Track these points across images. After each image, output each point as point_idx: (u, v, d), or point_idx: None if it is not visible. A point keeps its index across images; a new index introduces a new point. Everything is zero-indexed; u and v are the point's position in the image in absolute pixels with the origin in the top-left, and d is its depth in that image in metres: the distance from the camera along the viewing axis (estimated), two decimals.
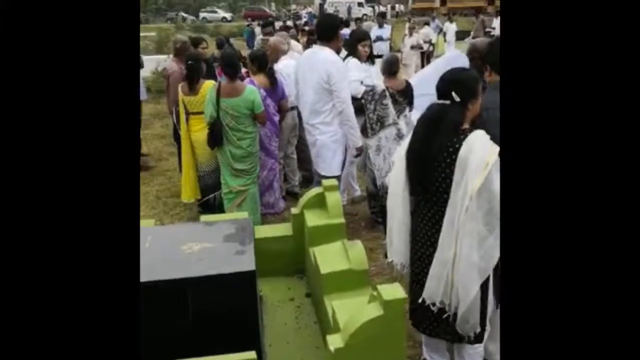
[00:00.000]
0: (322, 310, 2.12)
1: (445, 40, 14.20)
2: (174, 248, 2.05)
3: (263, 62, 4.27)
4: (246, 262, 1.92)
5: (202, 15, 41.74)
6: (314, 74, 3.51)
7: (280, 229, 2.78)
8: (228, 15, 42.04)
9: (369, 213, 4.28)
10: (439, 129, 2.00)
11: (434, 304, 2.00)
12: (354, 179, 4.70)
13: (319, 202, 2.63)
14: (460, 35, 14.14)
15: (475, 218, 1.85)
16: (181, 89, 4.19)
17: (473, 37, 11.57)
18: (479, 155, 1.88)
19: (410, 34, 11.31)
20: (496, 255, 1.84)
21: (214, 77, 4.66)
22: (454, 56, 4.91)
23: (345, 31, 10.40)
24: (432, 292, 2.00)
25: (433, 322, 2.09)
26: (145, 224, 2.52)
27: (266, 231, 2.73)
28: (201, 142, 4.04)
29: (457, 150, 1.93)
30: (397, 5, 37.25)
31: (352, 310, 1.77)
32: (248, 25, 18.58)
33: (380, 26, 11.65)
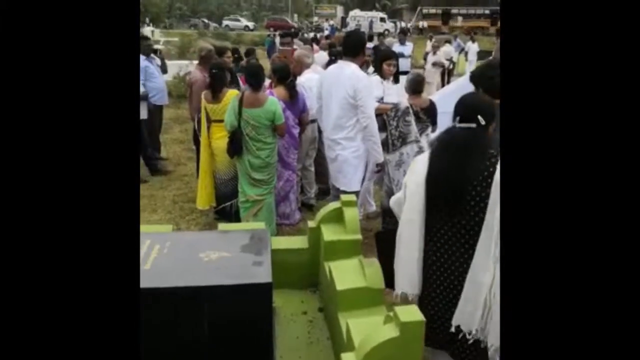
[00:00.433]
0: (336, 326, 2.11)
1: (466, 60, 14.21)
2: (192, 255, 2.07)
3: (284, 75, 4.31)
4: (263, 274, 1.93)
5: (225, 22, 42.31)
6: (339, 88, 3.54)
7: (296, 242, 2.78)
8: (250, 24, 42.58)
9: (382, 229, 4.27)
10: (470, 153, 2.00)
11: (469, 333, 1.94)
12: (370, 195, 4.71)
13: (337, 217, 2.63)
14: (482, 55, 14.14)
15: None
16: (204, 96, 4.24)
17: (494, 57, 11.57)
18: None
19: (434, 52, 11.32)
20: None
21: (237, 86, 4.71)
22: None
23: (368, 45, 10.49)
24: (467, 318, 1.94)
25: (449, 342, 2.06)
26: (164, 229, 2.55)
27: (282, 243, 2.73)
28: (221, 150, 4.08)
29: (492, 173, 1.93)
30: (421, 23, 37.32)
31: (367, 329, 1.76)
32: (269, 36, 18.81)
33: (402, 43, 11.70)
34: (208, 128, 4.26)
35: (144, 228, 2.71)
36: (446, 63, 12.13)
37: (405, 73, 6.00)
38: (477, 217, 1.95)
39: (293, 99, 4.27)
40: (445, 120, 2.91)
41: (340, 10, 47.03)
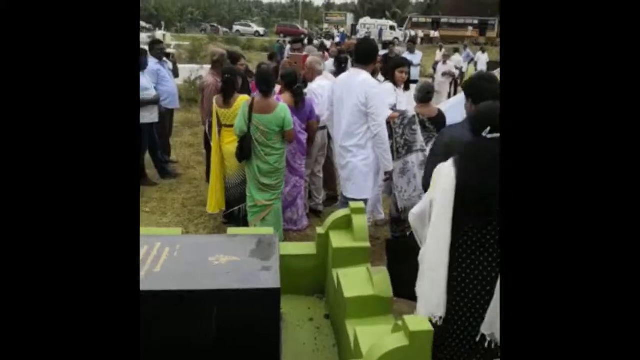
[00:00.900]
0: (343, 333, 2.12)
1: (475, 70, 14.20)
2: (202, 259, 2.08)
3: (291, 80, 4.33)
4: (272, 279, 1.94)
5: (235, 27, 42.58)
6: (351, 96, 3.55)
7: (304, 248, 2.79)
8: (261, 30, 42.83)
9: (391, 237, 4.27)
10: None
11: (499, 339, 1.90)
12: (379, 203, 4.71)
13: (345, 224, 2.64)
14: (492, 66, 14.14)
15: None
16: (216, 101, 4.28)
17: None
18: None
19: (444, 62, 11.33)
20: None
21: (248, 92, 4.74)
22: None
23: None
24: (497, 326, 1.88)
25: (470, 353, 2.01)
26: (173, 232, 2.57)
27: (290, 249, 2.74)
28: (231, 154, 4.10)
29: None
30: (431, 32, 37.40)
31: (374, 338, 1.77)
32: (278, 41, 18.96)
33: (412, 52, 11.72)
34: (219, 132, 4.29)
35: (154, 231, 2.73)
36: (456, 73, 12.14)
37: (415, 82, 6.02)
38: None
39: (298, 105, 4.28)
40: None
41: (350, 18, 47.24)
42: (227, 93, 4.19)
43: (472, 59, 14.91)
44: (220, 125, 4.27)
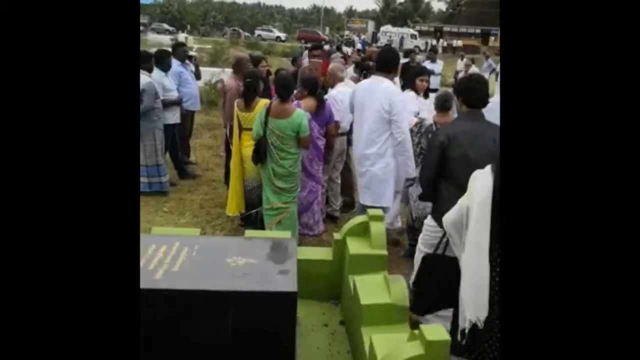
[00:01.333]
0: (358, 341, 2.11)
1: (496, 80, 14.09)
2: (220, 260, 2.10)
3: (313, 87, 4.36)
4: (289, 283, 1.94)
5: (257, 32, 42.90)
6: (374, 103, 3.57)
7: (320, 253, 2.80)
8: (282, 35, 43.08)
9: (407, 245, 4.25)
10: None
11: None
12: (397, 211, 4.70)
13: (362, 231, 2.64)
14: None
15: None
16: (237, 104, 4.31)
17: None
18: None
19: (466, 71, 11.27)
20: None
21: (269, 96, 4.77)
22: None
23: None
24: None
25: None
26: (192, 233, 2.59)
27: (307, 253, 2.75)
28: (250, 158, 4.14)
29: None
30: (454, 41, 37.27)
31: (390, 346, 1.76)
32: (300, 47, 19.12)
33: (433, 60, 11.69)
34: (240, 135, 4.32)
35: (173, 230, 2.76)
36: None
37: (435, 90, 6.00)
38: None
39: (319, 109, 4.30)
40: None
41: (371, 25, 47.24)
42: (249, 97, 4.23)
43: (494, 69, 14.80)
44: (240, 129, 4.31)
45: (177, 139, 5.73)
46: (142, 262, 1.96)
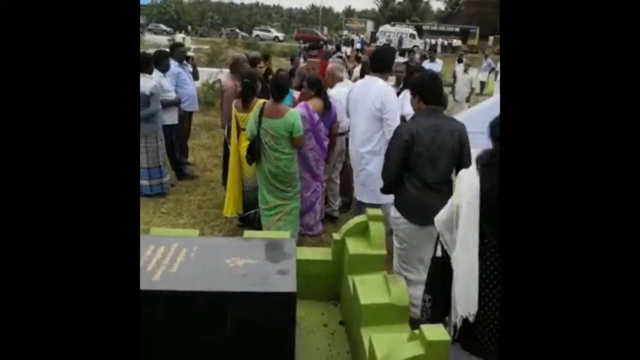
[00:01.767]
0: (358, 341, 2.10)
1: (495, 79, 14.11)
2: (218, 261, 2.09)
3: (319, 87, 4.37)
4: (288, 284, 1.93)
5: (255, 32, 42.88)
6: (367, 102, 3.59)
7: (319, 253, 2.79)
8: (280, 35, 43.07)
9: None
10: None
11: None
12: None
13: (362, 231, 2.63)
14: None
15: None
16: (235, 105, 4.31)
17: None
18: None
19: (466, 71, 11.26)
20: None
21: (268, 96, 4.76)
22: None
23: (399, 59, 10.48)
24: None
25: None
26: (190, 234, 2.58)
27: (306, 253, 2.74)
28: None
29: None
30: (454, 41, 37.34)
31: (390, 346, 1.75)
32: (299, 46, 19.18)
33: (432, 60, 11.69)
34: (237, 136, 4.32)
35: (171, 231, 2.75)
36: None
37: None
38: None
39: (326, 110, 4.31)
40: (477, 139, 2.91)
41: (370, 25, 47.26)
42: (246, 97, 4.23)
43: (493, 68, 14.82)
44: (238, 129, 4.30)
45: (175, 140, 5.72)
46: (140, 263, 1.95)
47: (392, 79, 5.09)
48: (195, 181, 5.85)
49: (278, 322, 1.91)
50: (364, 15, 62.05)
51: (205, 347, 1.89)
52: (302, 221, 4.31)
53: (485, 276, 2.10)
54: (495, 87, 13.47)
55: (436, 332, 1.62)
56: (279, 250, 2.26)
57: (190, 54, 8.55)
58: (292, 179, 4.00)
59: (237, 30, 43.00)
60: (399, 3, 58.02)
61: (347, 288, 2.40)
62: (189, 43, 21.14)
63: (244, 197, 4.41)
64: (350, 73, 7.18)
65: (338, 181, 4.93)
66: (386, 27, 40.46)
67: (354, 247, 2.51)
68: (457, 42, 36.42)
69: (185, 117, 6.20)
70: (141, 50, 5.84)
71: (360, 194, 3.89)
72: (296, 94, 4.85)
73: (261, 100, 4.25)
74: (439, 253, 2.50)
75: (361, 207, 3.76)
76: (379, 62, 3.79)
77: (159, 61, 5.36)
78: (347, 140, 4.59)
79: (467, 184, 2.13)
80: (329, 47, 14.43)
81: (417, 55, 11.14)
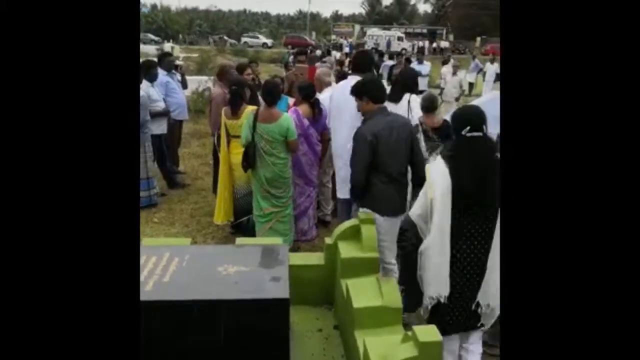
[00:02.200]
0: (352, 344, 2.10)
1: (484, 80, 14.21)
2: (211, 269, 2.09)
3: (309, 93, 4.38)
4: (281, 290, 1.94)
5: (243, 39, 42.87)
6: (349, 102, 3.63)
7: (312, 258, 2.79)
8: (269, 42, 43.07)
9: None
10: (494, 159, 2.32)
11: (487, 305, 2.38)
12: None
13: (353, 234, 2.63)
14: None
15: None
16: (224, 112, 4.31)
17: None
18: None
19: (454, 73, 11.33)
20: None
21: (257, 103, 4.77)
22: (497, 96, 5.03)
23: (387, 62, 10.53)
24: (488, 296, 2.35)
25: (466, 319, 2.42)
26: (182, 242, 2.58)
27: (298, 259, 2.74)
28: (240, 165, 4.13)
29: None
30: (441, 42, 37.56)
31: (384, 348, 1.76)
32: (288, 52, 19.23)
33: (420, 62, 11.75)
34: (228, 143, 4.31)
35: (163, 241, 2.74)
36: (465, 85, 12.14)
37: (423, 92, 6.04)
38: (495, 209, 2.29)
39: (316, 116, 4.33)
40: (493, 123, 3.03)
41: (358, 29, 47.43)
42: (235, 104, 4.23)
43: (481, 69, 14.92)
44: (229, 136, 4.30)
45: (165, 149, 5.70)
46: None
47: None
48: (186, 190, 5.83)
49: (272, 329, 1.91)
50: (351, 19, 62.26)
51: (199, 355, 1.89)
52: (297, 227, 4.31)
53: (454, 260, 2.33)
54: (484, 87, 13.57)
55: (429, 333, 1.63)
56: (271, 256, 2.27)
57: (179, 62, 8.54)
58: (286, 184, 4.01)
59: (225, 38, 42.98)
60: (386, 7, 58.31)
61: (340, 292, 2.41)
62: (178, 52, 21.10)
63: (236, 205, 4.40)
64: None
65: (330, 185, 4.93)
66: (373, 31, 40.60)
67: (346, 251, 2.52)
68: (445, 44, 36.60)
69: (176, 125, 6.18)
70: None
71: (340, 190, 3.88)
72: (291, 100, 4.87)
73: (250, 107, 4.25)
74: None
75: (344, 205, 3.84)
76: (359, 65, 3.98)
77: (147, 71, 5.35)
78: None
79: (438, 176, 2.32)
80: (317, 52, 14.46)
81: (403, 59, 11.18)
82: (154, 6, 54.39)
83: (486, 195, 2.27)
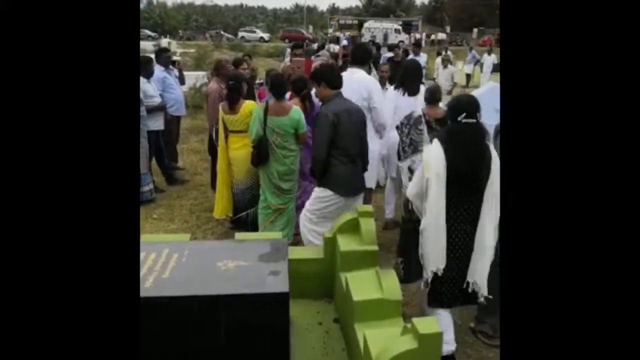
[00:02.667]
0: (352, 337, 2.11)
1: (481, 71, 14.18)
2: (210, 264, 2.08)
3: (300, 86, 4.37)
4: (280, 284, 1.93)
5: (240, 34, 42.72)
6: (350, 91, 3.75)
7: (311, 252, 2.79)
8: (266, 36, 42.94)
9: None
10: (483, 144, 2.61)
11: (474, 283, 2.65)
12: (390, 202, 4.72)
13: (353, 228, 2.63)
14: (497, 67, 14.11)
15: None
16: (222, 108, 4.30)
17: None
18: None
19: (445, 66, 11.28)
20: None
21: (253, 97, 4.76)
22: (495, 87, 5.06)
23: (387, 54, 10.49)
24: (476, 274, 2.63)
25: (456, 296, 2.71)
26: (181, 238, 2.57)
27: (298, 253, 2.74)
28: (239, 160, 4.13)
29: (491, 157, 2.60)
30: (438, 34, 37.44)
31: (384, 341, 1.76)
32: (287, 47, 19.14)
33: (416, 54, 11.70)
34: (226, 138, 4.30)
35: (162, 237, 2.74)
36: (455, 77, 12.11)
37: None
38: (481, 189, 2.58)
39: (308, 110, 4.32)
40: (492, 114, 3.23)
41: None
42: (233, 99, 4.22)
43: (478, 60, 14.88)
44: (227, 131, 4.29)
45: (162, 145, 5.69)
46: None
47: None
48: (185, 186, 5.83)
49: (272, 323, 1.91)
50: (348, 12, 62.01)
51: (199, 351, 1.89)
52: (296, 221, 4.31)
53: (448, 236, 2.58)
54: (481, 78, 13.54)
55: (428, 325, 1.63)
56: (270, 250, 2.26)
57: (176, 58, 8.51)
58: (296, 177, 4.07)
59: (222, 33, 42.80)
60: None
61: (340, 285, 2.41)
62: (175, 47, 21.02)
63: (235, 200, 4.40)
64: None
65: None
66: (370, 23, 40.43)
67: (346, 244, 2.52)
68: (442, 36, 36.48)
69: (173, 121, 6.17)
70: None
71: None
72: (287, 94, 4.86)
73: (248, 102, 4.25)
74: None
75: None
76: (359, 56, 4.14)
77: (143, 67, 5.33)
78: None
79: (434, 157, 2.56)
80: (313, 45, 14.40)
81: (400, 51, 11.12)
82: (150, 2, 54.14)
83: (476, 177, 2.52)
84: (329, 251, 2.65)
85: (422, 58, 11.62)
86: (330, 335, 2.39)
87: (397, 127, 3.98)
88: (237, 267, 2.06)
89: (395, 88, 4.47)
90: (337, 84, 3.45)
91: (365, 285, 2.21)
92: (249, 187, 4.27)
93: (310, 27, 49.46)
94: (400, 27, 39.01)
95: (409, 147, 3.90)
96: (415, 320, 1.66)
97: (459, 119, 2.57)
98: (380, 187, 5.05)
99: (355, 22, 43.05)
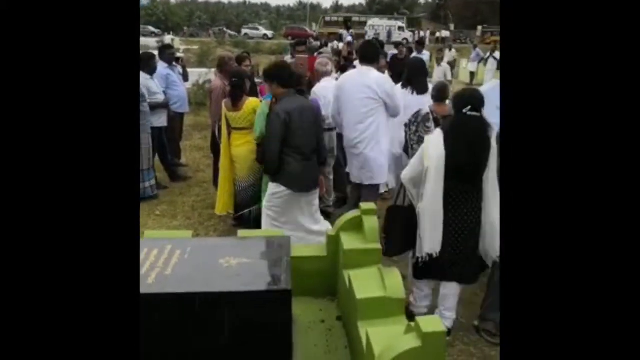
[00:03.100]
0: (355, 335, 2.10)
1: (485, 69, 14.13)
2: (212, 261, 2.08)
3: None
4: (283, 281, 1.93)
5: (244, 31, 42.72)
6: (364, 89, 3.79)
7: (314, 249, 2.78)
8: (269, 33, 42.94)
9: None
10: (485, 136, 2.74)
11: (486, 255, 2.88)
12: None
13: (356, 225, 2.62)
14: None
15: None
16: (225, 105, 4.29)
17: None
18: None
19: (439, 64, 11.24)
20: None
21: (256, 95, 4.74)
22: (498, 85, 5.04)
23: (393, 51, 10.49)
24: (486, 247, 2.84)
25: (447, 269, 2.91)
26: (184, 235, 2.57)
27: (301, 250, 2.73)
28: (241, 157, 4.12)
29: (491, 147, 2.75)
30: (442, 32, 37.36)
31: (387, 339, 1.75)
32: (290, 44, 19.12)
33: (419, 52, 11.67)
34: (229, 135, 4.30)
35: (164, 234, 2.74)
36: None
37: None
38: (480, 177, 2.76)
39: None
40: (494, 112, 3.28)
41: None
42: (236, 96, 4.21)
43: (483, 58, 14.83)
44: (229, 128, 4.28)
45: (166, 142, 5.69)
46: None
47: None
48: (188, 182, 5.83)
49: (274, 320, 1.90)
50: (352, 9, 61.97)
51: (201, 348, 1.88)
52: None
53: (444, 221, 2.77)
54: (485, 76, 13.49)
55: (432, 324, 1.62)
56: (273, 248, 2.26)
57: (179, 54, 8.51)
58: None
59: (225, 30, 42.81)
60: None
61: (343, 283, 2.40)
62: (178, 44, 21.02)
63: (237, 197, 4.39)
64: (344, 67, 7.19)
65: (331, 177, 4.92)
66: (374, 21, 40.38)
67: (349, 242, 2.51)
68: (446, 33, 36.39)
69: (177, 118, 6.17)
70: None
71: (357, 177, 4.09)
72: None
73: (252, 99, 4.23)
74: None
75: (360, 189, 4.09)
76: (369, 55, 4.07)
77: (145, 63, 5.32)
78: (338, 135, 4.59)
79: (436, 151, 2.69)
80: (314, 42, 14.38)
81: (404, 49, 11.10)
82: None
83: (477, 168, 2.66)
84: (332, 249, 2.64)
85: (425, 56, 11.59)
86: (333, 333, 2.38)
87: (405, 125, 4.01)
88: (240, 264, 2.06)
89: (403, 87, 4.48)
90: (288, 82, 3.54)
91: (369, 283, 2.19)
92: (251, 184, 4.26)
93: (314, 25, 49.43)
94: (404, 25, 38.95)
95: (417, 144, 3.91)
96: (419, 318, 1.65)
97: (464, 110, 2.70)
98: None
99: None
